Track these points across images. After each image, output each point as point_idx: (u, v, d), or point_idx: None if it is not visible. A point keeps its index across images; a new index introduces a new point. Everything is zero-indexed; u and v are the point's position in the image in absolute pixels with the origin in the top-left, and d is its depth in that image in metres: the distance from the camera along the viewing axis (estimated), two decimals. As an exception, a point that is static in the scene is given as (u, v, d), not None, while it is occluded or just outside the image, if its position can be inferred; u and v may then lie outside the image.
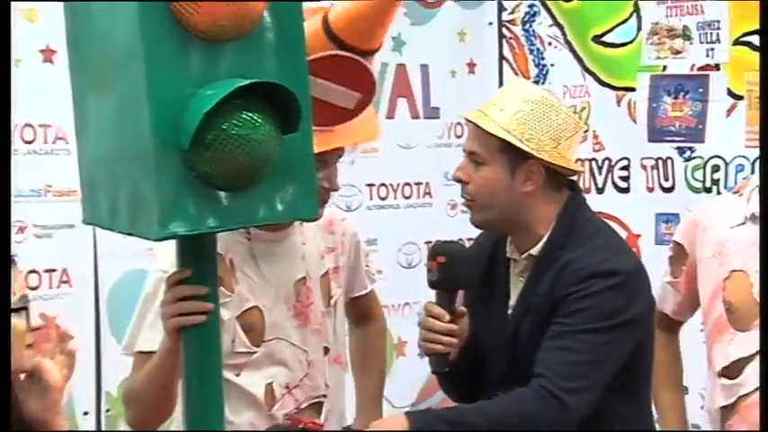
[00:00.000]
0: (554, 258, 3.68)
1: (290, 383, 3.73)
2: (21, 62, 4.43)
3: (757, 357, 3.81)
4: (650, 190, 5.28)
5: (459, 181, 3.73)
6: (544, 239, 3.71)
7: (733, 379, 3.91)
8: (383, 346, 4.40)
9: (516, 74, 5.65)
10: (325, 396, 3.81)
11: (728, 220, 3.95)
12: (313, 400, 3.78)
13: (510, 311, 3.75)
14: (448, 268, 3.59)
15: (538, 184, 3.68)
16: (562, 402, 3.50)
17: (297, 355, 3.74)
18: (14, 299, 2.84)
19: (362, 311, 4.11)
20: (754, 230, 3.84)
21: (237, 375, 3.66)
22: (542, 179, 3.68)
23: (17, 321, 2.82)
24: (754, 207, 3.86)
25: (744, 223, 3.92)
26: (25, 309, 2.88)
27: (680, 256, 4.11)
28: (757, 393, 3.81)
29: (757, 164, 4.86)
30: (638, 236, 4.83)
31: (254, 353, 3.68)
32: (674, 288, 4.14)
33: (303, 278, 3.76)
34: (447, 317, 3.56)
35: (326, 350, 3.82)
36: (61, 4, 2.95)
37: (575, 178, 3.93)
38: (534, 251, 3.71)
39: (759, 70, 4.33)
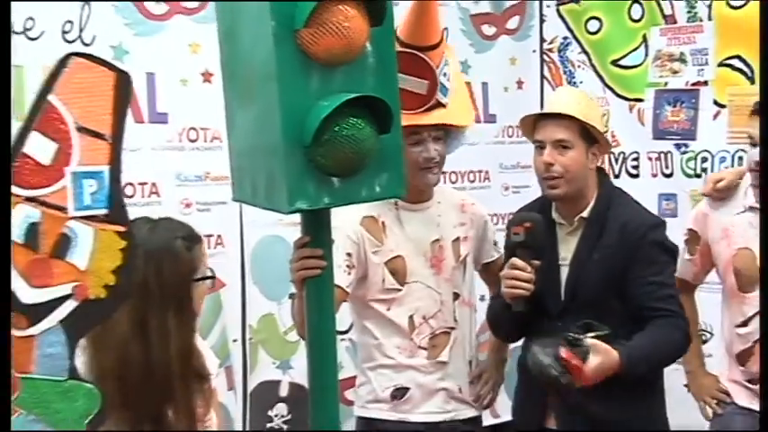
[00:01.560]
0: (602, 218, 3.69)
1: (427, 315, 3.77)
2: (187, 82, 4.46)
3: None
4: (654, 176, 5.21)
5: (549, 165, 3.67)
6: (591, 205, 3.70)
7: (747, 325, 3.91)
8: None
9: (553, 89, 5.54)
10: (453, 328, 3.83)
11: (731, 210, 3.95)
12: (443, 330, 3.81)
13: (563, 262, 3.73)
14: (533, 231, 3.56)
15: (593, 168, 3.72)
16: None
17: (432, 295, 3.78)
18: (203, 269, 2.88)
19: (492, 275, 3.98)
20: (752, 217, 3.85)
21: (388, 310, 3.75)
22: (595, 166, 3.73)
23: (203, 285, 2.88)
24: (751, 200, 3.85)
25: (744, 211, 3.91)
26: (212, 278, 3.01)
27: (694, 239, 4.07)
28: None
29: (737, 157, 4.86)
30: None
31: (400, 290, 3.73)
32: (692, 263, 4.10)
33: (437, 240, 3.81)
34: (529, 269, 3.53)
35: (456, 295, 3.84)
36: (216, 38, 2.96)
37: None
38: (584, 214, 3.70)
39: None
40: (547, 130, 3.71)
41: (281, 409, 4.76)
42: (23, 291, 2.16)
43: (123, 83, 2.23)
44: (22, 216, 2.15)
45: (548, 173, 3.67)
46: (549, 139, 3.68)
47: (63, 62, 2.18)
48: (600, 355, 3.41)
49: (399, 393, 3.77)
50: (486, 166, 5.33)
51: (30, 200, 2.16)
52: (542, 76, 5.57)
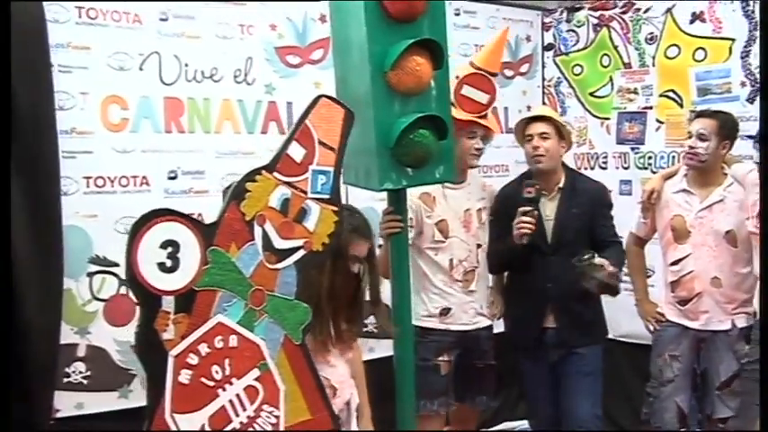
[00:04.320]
0: (572, 187, 3.75)
1: (461, 259, 3.75)
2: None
3: (690, 255, 3.86)
4: (617, 168, 5.11)
5: (536, 147, 3.73)
6: (563, 179, 3.75)
7: (677, 264, 3.91)
8: None
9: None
10: (476, 267, 3.80)
11: (670, 189, 3.94)
12: (471, 268, 3.79)
13: (546, 218, 3.74)
14: (539, 191, 3.62)
15: (562, 156, 3.77)
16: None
17: (464, 246, 3.75)
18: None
19: None
20: (685, 195, 3.88)
21: (436, 255, 3.72)
22: (563, 153, 3.76)
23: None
24: (684, 185, 3.89)
25: (678, 191, 3.91)
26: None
27: (647, 207, 4.05)
28: (690, 275, 3.87)
29: (671, 156, 4.80)
30: (611, 191, 4.62)
31: (444, 242, 3.71)
32: (645, 225, 4.07)
33: (468, 209, 3.77)
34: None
35: (479, 245, 3.81)
36: (332, 78, 2.97)
37: None
38: (560, 185, 3.75)
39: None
40: (535, 127, 3.76)
41: (372, 319, 4.68)
42: (276, 240, 2.34)
43: (348, 116, 2.43)
44: (280, 193, 2.34)
45: (536, 153, 3.72)
46: (535, 132, 3.74)
47: (315, 100, 2.41)
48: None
49: (445, 311, 3.74)
50: (506, 162, 5.21)
51: (286, 184, 2.35)
52: (543, 103, 5.46)
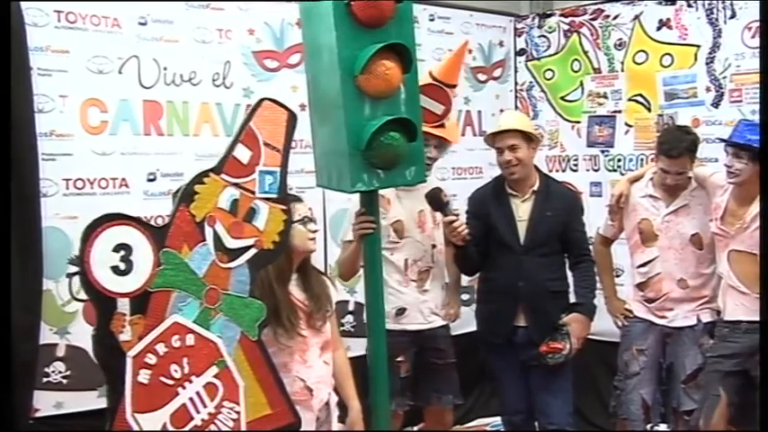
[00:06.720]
0: (545, 191, 3.74)
1: (416, 259, 3.72)
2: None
3: (657, 258, 3.89)
4: (587, 170, 5.10)
5: (509, 160, 3.69)
6: (537, 183, 3.74)
7: (645, 267, 3.93)
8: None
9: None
10: (431, 267, 3.77)
11: (637, 193, 3.94)
12: (426, 268, 3.75)
13: (519, 219, 3.72)
14: (447, 197, 3.58)
15: (534, 158, 3.75)
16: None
17: (418, 246, 3.72)
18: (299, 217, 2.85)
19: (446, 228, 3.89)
20: (651, 201, 3.89)
21: (391, 255, 3.67)
22: (535, 155, 3.75)
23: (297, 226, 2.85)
24: (650, 190, 3.90)
25: (645, 196, 3.92)
26: (309, 220, 2.91)
27: (615, 210, 4.04)
28: (657, 277, 3.90)
29: (639, 159, 4.83)
30: (582, 192, 4.65)
31: (399, 243, 3.67)
32: (612, 226, 4.07)
33: (422, 210, 3.71)
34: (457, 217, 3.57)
35: (434, 245, 3.77)
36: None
37: None
38: (535, 188, 3.73)
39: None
40: (503, 140, 3.72)
41: (349, 318, 4.70)
42: (227, 240, 2.39)
43: (291, 118, 2.52)
44: (228, 194, 2.40)
45: (509, 165, 3.69)
46: (505, 146, 3.70)
47: (259, 103, 2.48)
48: (578, 324, 3.65)
49: (400, 312, 3.70)
50: (480, 164, 5.20)
51: (234, 185, 2.40)
52: (516, 107, 5.46)
